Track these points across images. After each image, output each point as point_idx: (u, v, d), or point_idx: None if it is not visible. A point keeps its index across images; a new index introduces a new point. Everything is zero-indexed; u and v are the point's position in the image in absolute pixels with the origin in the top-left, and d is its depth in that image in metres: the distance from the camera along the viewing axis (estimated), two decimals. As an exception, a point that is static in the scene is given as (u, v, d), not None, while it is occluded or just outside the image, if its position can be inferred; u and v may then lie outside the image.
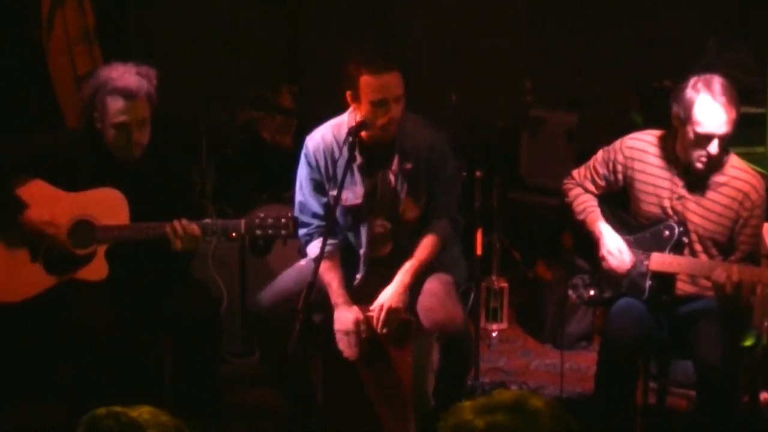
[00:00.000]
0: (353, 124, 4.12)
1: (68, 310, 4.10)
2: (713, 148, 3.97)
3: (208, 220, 4.18)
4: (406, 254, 4.22)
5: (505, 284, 5.65)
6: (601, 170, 4.26)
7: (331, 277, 4.20)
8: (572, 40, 6.82)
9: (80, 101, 4.29)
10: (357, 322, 4.15)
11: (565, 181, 4.35)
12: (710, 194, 4.09)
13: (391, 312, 4.13)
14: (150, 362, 4.51)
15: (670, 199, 4.12)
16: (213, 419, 4.29)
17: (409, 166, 4.17)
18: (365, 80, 4.05)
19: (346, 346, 4.16)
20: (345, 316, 4.16)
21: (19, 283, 4.15)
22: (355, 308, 4.18)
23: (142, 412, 2.19)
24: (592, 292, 4.26)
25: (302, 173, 4.26)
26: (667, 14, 6.71)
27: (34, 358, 4.84)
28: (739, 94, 4.06)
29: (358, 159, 4.16)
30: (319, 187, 4.23)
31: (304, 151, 4.25)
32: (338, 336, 4.17)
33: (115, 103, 4.10)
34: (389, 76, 4.05)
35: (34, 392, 4.80)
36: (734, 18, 6.46)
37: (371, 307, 4.17)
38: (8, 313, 4.17)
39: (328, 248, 4.12)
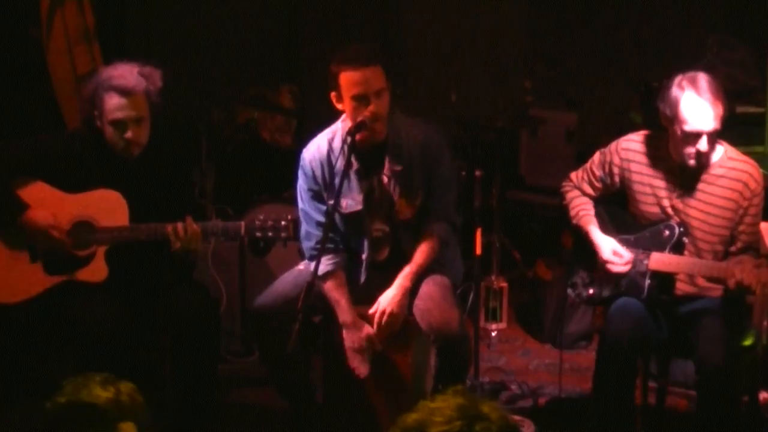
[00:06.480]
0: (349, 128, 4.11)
1: (68, 311, 4.10)
2: (702, 145, 3.96)
3: (208, 222, 4.18)
4: (405, 257, 4.21)
5: (504, 284, 5.65)
6: (598, 172, 4.25)
7: (338, 295, 4.18)
8: (572, 40, 6.82)
9: (80, 100, 4.29)
10: (369, 338, 4.15)
11: (563, 184, 4.35)
12: (710, 188, 4.08)
13: (393, 317, 4.13)
14: (150, 362, 4.51)
15: (669, 198, 4.12)
16: (213, 419, 4.30)
17: (398, 167, 4.16)
18: (344, 76, 4.05)
19: (358, 363, 4.16)
20: (355, 335, 4.16)
21: (19, 284, 4.15)
22: (366, 325, 4.17)
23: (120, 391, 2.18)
24: (591, 291, 4.26)
25: (301, 185, 4.25)
26: (666, 14, 6.71)
27: (33, 359, 4.84)
28: (739, 94, 4.05)
29: (354, 164, 4.15)
30: (318, 197, 4.22)
31: (300, 162, 4.24)
32: (350, 354, 4.16)
33: (112, 100, 4.11)
34: (368, 71, 4.03)
35: (34, 393, 4.79)
36: (734, 18, 6.46)
37: (370, 311, 4.17)
38: (8, 314, 4.17)
39: (332, 265, 4.16)
